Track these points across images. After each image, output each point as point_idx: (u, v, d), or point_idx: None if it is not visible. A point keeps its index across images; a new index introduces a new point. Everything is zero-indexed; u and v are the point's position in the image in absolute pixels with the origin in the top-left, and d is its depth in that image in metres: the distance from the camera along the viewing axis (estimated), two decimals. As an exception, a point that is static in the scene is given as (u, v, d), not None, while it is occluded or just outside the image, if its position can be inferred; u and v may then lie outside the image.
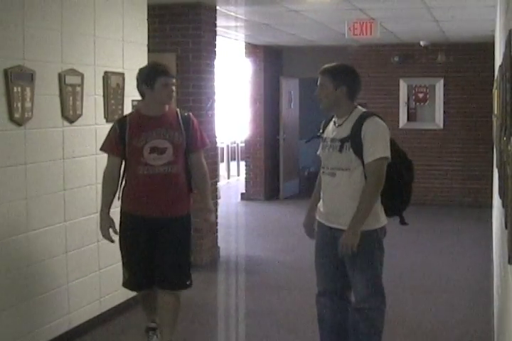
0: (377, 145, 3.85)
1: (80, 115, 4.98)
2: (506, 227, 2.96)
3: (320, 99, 4.04)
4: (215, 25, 7.51)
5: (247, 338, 5.11)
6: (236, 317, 5.59)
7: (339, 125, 4.00)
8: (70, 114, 4.87)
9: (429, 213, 10.81)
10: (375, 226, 3.93)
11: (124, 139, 4.35)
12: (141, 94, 4.47)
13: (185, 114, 4.53)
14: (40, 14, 4.57)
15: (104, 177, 4.47)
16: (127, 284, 4.60)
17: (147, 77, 4.38)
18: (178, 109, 4.60)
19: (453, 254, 8.02)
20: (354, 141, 3.87)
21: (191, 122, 4.49)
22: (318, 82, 4.03)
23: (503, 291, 3.74)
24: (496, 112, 5.28)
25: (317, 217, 4.16)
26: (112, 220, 4.45)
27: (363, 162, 3.87)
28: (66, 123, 4.86)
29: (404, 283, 6.71)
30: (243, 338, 5.11)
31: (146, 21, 5.97)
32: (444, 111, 11.64)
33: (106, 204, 4.45)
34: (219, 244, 7.77)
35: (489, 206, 8.39)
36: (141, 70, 4.51)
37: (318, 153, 4.22)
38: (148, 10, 5.99)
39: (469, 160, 11.56)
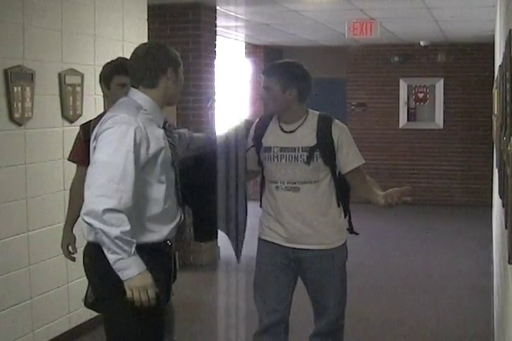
0: (355, 152, 3.49)
1: (80, 115, 4.98)
2: (506, 227, 2.96)
3: (266, 103, 3.55)
4: (215, 25, 7.51)
5: (247, 338, 5.09)
6: (236, 317, 5.58)
7: (290, 131, 3.50)
8: (70, 114, 4.87)
9: (429, 213, 10.80)
10: (345, 238, 3.58)
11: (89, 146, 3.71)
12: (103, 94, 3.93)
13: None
14: (40, 14, 4.57)
15: (71, 190, 3.90)
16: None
17: (104, 75, 3.72)
18: None
19: (453, 254, 8.02)
20: (324, 149, 3.42)
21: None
22: (263, 84, 3.48)
23: (503, 291, 3.73)
24: (495, 112, 5.28)
25: (263, 237, 3.75)
26: (74, 237, 3.87)
27: (331, 170, 3.48)
28: (66, 123, 4.86)
29: (404, 283, 6.71)
30: (243, 338, 5.10)
31: (146, 21, 5.97)
32: (444, 111, 11.64)
33: (70, 220, 3.88)
34: (219, 244, 7.76)
35: (489, 206, 8.38)
36: (103, 66, 3.81)
37: (249, 167, 3.73)
38: (148, 10, 5.99)
39: (469, 160, 11.56)
